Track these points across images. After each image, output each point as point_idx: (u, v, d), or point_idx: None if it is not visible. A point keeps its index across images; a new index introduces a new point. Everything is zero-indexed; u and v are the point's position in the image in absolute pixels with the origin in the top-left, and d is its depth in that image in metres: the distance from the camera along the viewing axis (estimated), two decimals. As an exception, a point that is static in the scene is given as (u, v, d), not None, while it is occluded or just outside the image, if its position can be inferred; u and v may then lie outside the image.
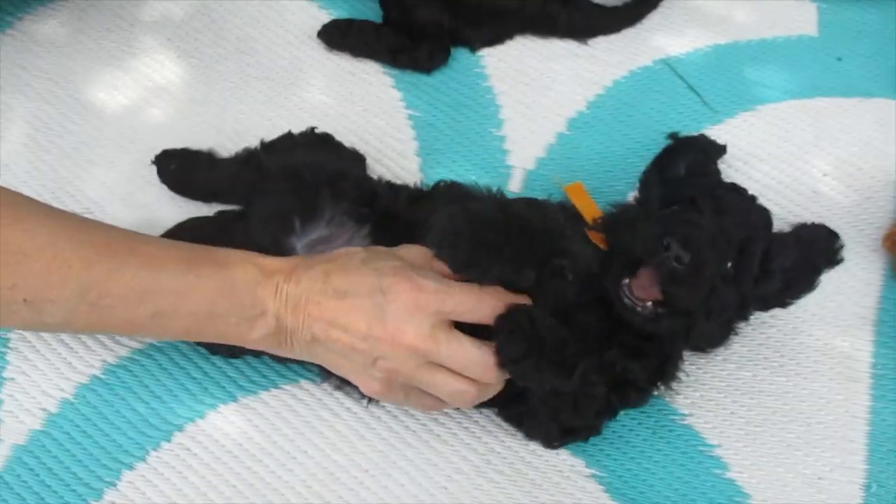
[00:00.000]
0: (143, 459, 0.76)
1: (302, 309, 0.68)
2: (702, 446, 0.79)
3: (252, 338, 0.69)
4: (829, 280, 0.85)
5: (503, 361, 0.67)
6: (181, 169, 0.88)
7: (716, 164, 0.88)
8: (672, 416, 0.80)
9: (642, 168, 0.87)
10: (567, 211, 0.80)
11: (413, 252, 0.71)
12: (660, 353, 0.72)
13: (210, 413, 0.79)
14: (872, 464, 0.77)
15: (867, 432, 0.78)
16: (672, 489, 0.77)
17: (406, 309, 0.66)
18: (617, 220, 0.77)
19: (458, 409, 0.79)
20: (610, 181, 0.92)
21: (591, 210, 0.81)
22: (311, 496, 0.76)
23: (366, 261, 0.69)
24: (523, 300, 0.69)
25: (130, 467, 0.76)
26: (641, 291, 0.68)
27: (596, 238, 0.76)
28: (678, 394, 0.80)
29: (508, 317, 0.68)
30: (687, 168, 0.83)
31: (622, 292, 0.68)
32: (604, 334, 0.71)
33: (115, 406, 0.78)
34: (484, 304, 0.67)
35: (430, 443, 0.79)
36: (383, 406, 0.80)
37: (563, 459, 0.78)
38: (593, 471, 0.78)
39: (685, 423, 0.80)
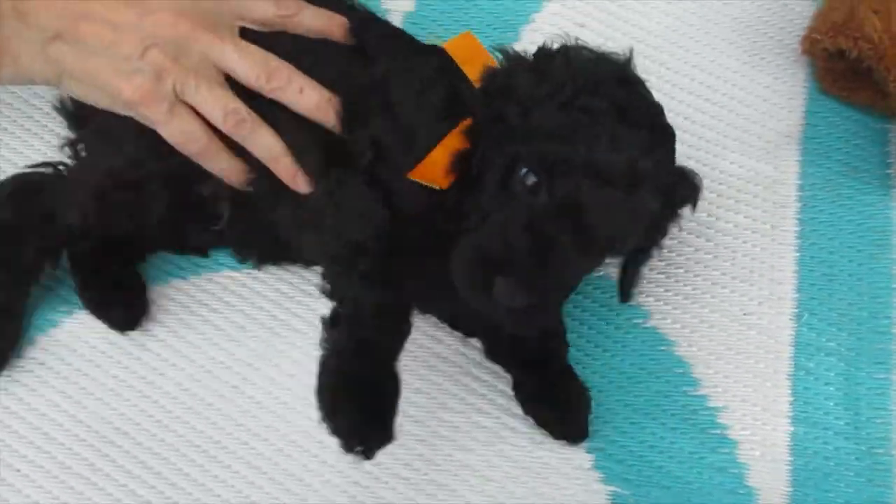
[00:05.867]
0: (-9, 381, 0.68)
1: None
2: (620, 296, 0.72)
3: None
4: (752, 101, 0.78)
5: None
6: None
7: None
8: (587, 268, 0.73)
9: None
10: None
11: None
12: None
13: (64, 320, 0.70)
14: (803, 292, 0.70)
15: (796, 259, 0.71)
16: (592, 345, 0.70)
17: None
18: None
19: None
20: (505, 16, 0.81)
21: (475, 71, 0.61)
22: (188, 399, 0.68)
23: None
24: None
25: (-23, 391, 0.67)
26: None
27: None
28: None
29: None
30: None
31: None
32: None
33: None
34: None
35: (319, 327, 0.70)
36: (265, 295, 0.72)
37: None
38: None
39: (600, 273, 0.72)
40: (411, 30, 0.75)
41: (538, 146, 0.52)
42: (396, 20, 0.80)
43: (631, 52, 0.58)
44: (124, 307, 0.70)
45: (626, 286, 0.63)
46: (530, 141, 0.52)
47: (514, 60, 0.58)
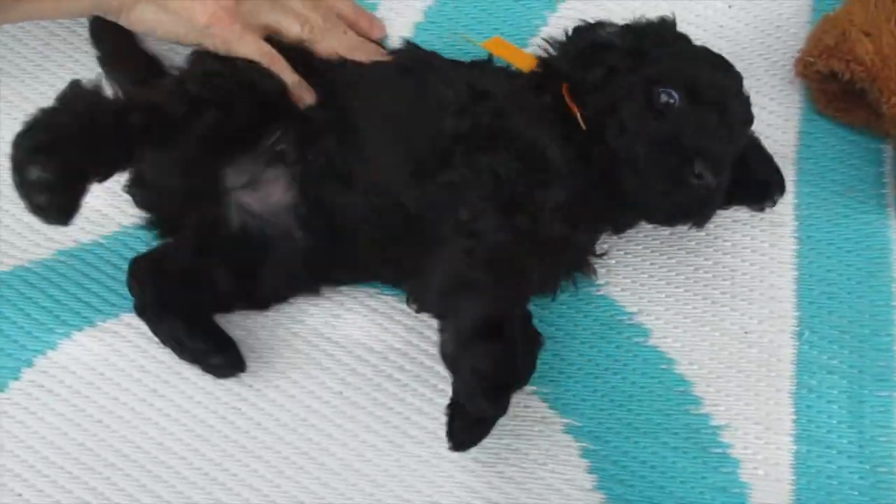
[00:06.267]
0: (-10, 403, 0.67)
1: None
2: (620, 315, 0.71)
3: None
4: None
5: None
6: None
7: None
8: (587, 287, 0.72)
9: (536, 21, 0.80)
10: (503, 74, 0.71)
11: None
12: None
13: (63, 342, 0.69)
14: (802, 310, 0.70)
15: (795, 277, 0.72)
16: (593, 364, 0.70)
17: None
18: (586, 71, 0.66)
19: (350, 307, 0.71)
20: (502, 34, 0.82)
21: (524, 59, 0.71)
22: (188, 421, 0.67)
23: None
24: None
25: (-24, 413, 0.67)
26: None
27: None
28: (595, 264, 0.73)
29: None
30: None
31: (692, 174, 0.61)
32: None
33: (-46, 348, 0.69)
34: None
35: (320, 346, 0.70)
36: (265, 314, 0.71)
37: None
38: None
39: (600, 293, 0.72)
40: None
41: (678, 73, 0.63)
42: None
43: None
44: None
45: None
46: (664, 69, 0.64)
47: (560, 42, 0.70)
